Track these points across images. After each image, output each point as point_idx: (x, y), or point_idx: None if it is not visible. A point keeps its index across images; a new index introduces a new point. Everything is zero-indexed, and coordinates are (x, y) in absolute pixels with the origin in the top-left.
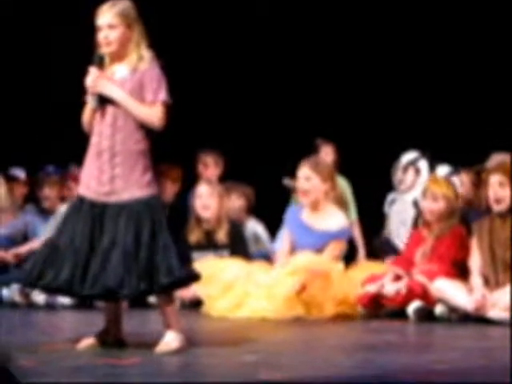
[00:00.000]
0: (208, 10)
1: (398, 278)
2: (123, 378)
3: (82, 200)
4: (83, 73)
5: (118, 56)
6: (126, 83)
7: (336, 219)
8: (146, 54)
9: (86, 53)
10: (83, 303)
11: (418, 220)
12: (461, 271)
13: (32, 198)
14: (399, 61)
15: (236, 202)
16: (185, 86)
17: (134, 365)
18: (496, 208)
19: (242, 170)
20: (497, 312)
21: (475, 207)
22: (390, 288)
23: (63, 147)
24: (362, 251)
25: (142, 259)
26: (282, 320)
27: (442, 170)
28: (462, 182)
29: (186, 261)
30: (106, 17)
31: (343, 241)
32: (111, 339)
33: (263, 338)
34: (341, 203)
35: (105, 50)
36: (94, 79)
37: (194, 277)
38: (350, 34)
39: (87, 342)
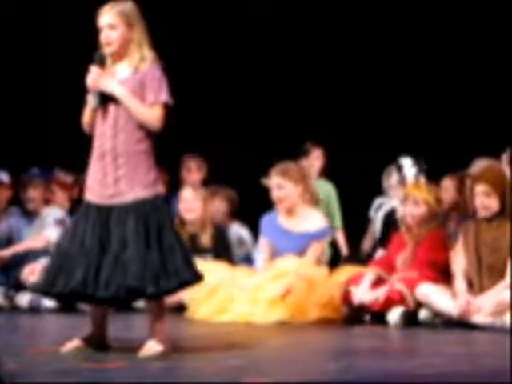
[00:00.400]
0: (196, 18)
1: (379, 280)
2: (107, 381)
3: (88, 205)
4: (74, 76)
5: (120, 56)
6: (127, 83)
7: (314, 220)
8: (148, 54)
9: (78, 56)
10: (64, 306)
11: (397, 225)
12: (442, 273)
13: (16, 201)
14: (387, 67)
15: (219, 205)
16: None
17: (118, 368)
18: (483, 214)
19: (226, 174)
20: (481, 317)
21: (459, 212)
22: (368, 296)
23: (49, 151)
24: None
25: (154, 261)
26: (267, 324)
27: (410, 171)
28: (447, 186)
29: (191, 262)
30: (106, 17)
31: (323, 241)
32: (96, 343)
33: (247, 343)
34: (315, 203)
35: (106, 50)
36: (95, 78)
37: (198, 278)
38: (340, 38)
39: (72, 344)
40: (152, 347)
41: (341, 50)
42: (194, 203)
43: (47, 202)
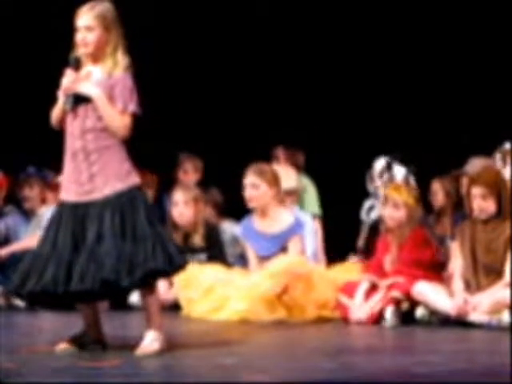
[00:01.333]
0: (194, 20)
1: (373, 287)
2: (103, 379)
3: (62, 205)
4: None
5: (94, 58)
6: (99, 87)
7: (284, 219)
8: (122, 59)
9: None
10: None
11: (379, 226)
12: (429, 270)
13: (14, 200)
14: (373, 66)
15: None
16: (157, 90)
17: (114, 366)
18: (480, 216)
19: (215, 172)
20: (478, 315)
21: (449, 214)
22: (365, 312)
23: (47, 150)
24: (320, 245)
25: (128, 252)
26: (263, 322)
27: (400, 172)
28: (435, 190)
29: (167, 251)
30: (84, 18)
31: (299, 235)
32: (90, 342)
33: (244, 341)
34: (283, 202)
35: (81, 51)
36: (71, 80)
37: (174, 265)
38: (326, 40)
39: (65, 344)
40: (148, 345)
41: (328, 50)
42: (185, 208)
43: (44, 200)
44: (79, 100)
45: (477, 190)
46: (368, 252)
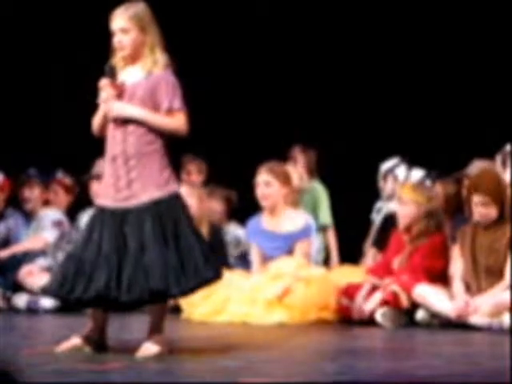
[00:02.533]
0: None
1: (373, 288)
2: (105, 382)
3: (102, 210)
4: (74, 78)
5: (132, 59)
6: (139, 87)
7: (296, 220)
8: (161, 58)
9: (78, 57)
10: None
11: (394, 228)
12: (437, 280)
13: (15, 201)
14: (381, 69)
15: (216, 205)
16: None
17: (115, 369)
18: (481, 222)
19: (226, 173)
20: (478, 318)
21: (449, 216)
22: (367, 310)
23: (49, 151)
24: (334, 258)
25: (174, 261)
26: (264, 325)
27: (416, 174)
28: (436, 192)
29: (211, 259)
30: (118, 21)
31: (309, 239)
32: (93, 344)
33: (245, 343)
34: (296, 204)
35: (119, 53)
36: (110, 106)
37: (219, 275)
38: (334, 42)
39: (70, 343)
40: (149, 348)
41: (336, 54)
42: (188, 199)
43: (46, 202)
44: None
45: (478, 198)
46: (381, 246)
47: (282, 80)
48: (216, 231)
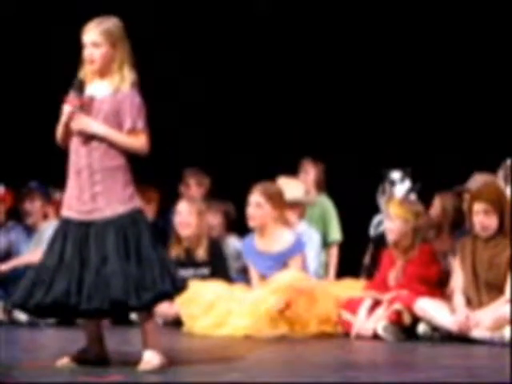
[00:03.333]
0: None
1: (375, 304)
2: None
3: (66, 221)
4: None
5: (101, 73)
6: (105, 103)
7: (284, 238)
8: (129, 75)
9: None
10: (69, 321)
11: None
12: (433, 287)
13: (16, 215)
14: (384, 83)
15: (213, 219)
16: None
17: (115, 382)
18: (482, 234)
19: (226, 186)
20: (479, 331)
21: (445, 230)
22: (368, 329)
23: (50, 164)
24: (332, 273)
25: (133, 274)
26: (266, 338)
27: (401, 188)
28: (435, 205)
29: (169, 273)
30: (90, 34)
31: (301, 254)
32: (92, 358)
33: (246, 356)
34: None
35: (88, 67)
36: (74, 120)
37: (177, 289)
38: (336, 53)
39: (65, 360)
40: (150, 361)
41: (343, 65)
42: (189, 217)
43: (46, 216)
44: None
45: (479, 206)
46: (374, 268)
47: (287, 93)
48: (216, 246)
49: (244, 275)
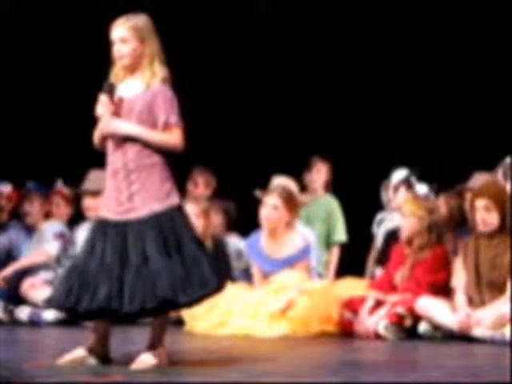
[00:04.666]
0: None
1: (378, 304)
2: None
3: (104, 222)
4: (75, 90)
5: (131, 70)
6: (138, 101)
7: (295, 243)
8: (160, 70)
9: (80, 69)
10: (65, 320)
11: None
12: (440, 293)
13: (17, 215)
14: (387, 82)
15: (214, 218)
16: None
17: (117, 382)
18: (483, 230)
19: (228, 185)
20: (481, 330)
21: (452, 229)
22: (370, 328)
23: (49, 164)
24: (331, 272)
25: (180, 270)
26: (267, 338)
27: (421, 189)
28: (438, 205)
29: (218, 270)
30: (119, 30)
31: (308, 259)
32: (95, 357)
33: (247, 356)
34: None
35: (118, 63)
36: (106, 123)
37: (223, 287)
38: (341, 53)
39: (74, 354)
40: (145, 360)
41: (346, 65)
42: (195, 220)
43: (47, 215)
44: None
45: (480, 203)
46: (383, 262)
47: (289, 92)
48: (219, 245)
49: (247, 275)
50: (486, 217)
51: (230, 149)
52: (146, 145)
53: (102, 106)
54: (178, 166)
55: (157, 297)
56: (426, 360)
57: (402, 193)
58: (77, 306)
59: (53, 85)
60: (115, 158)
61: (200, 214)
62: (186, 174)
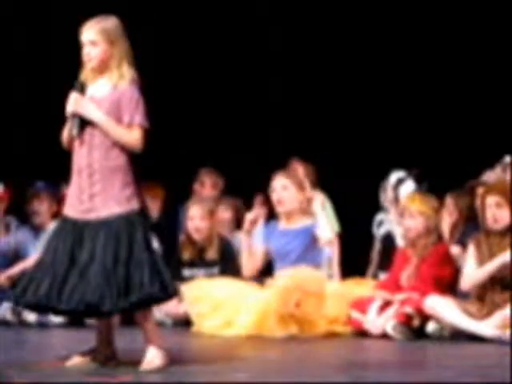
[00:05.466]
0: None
1: (386, 304)
2: None
3: (65, 219)
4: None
5: (99, 71)
6: (105, 101)
7: (308, 221)
8: (127, 72)
9: (79, 69)
10: (73, 321)
11: (394, 246)
12: (446, 289)
13: (23, 215)
14: (386, 79)
15: (223, 215)
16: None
17: (124, 382)
18: (494, 227)
19: (234, 182)
20: (489, 330)
21: (460, 230)
22: (378, 327)
23: (54, 164)
24: (335, 268)
25: (120, 276)
26: (275, 338)
27: (410, 186)
28: (448, 204)
29: (161, 276)
30: (88, 33)
31: (328, 240)
32: (101, 358)
33: (255, 356)
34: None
35: (87, 65)
36: (74, 103)
37: (167, 293)
38: (341, 55)
39: (77, 359)
40: (152, 361)
41: (343, 65)
42: (201, 222)
43: (55, 215)
44: (85, 123)
45: (492, 199)
46: (382, 266)
47: (290, 91)
48: (226, 245)
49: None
50: (496, 213)
51: (237, 148)
52: (111, 147)
53: (73, 104)
54: (185, 166)
55: (84, 300)
56: (434, 360)
57: (403, 191)
58: (20, 298)
59: (53, 85)
60: (80, 157)
61: (205, 215)
62: (193, 174)
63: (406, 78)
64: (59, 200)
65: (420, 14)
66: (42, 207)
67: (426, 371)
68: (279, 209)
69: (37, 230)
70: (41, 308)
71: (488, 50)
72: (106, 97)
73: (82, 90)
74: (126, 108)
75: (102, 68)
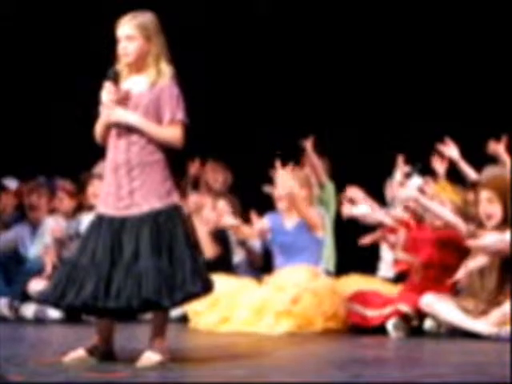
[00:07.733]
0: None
1: (384, 302)
2: None
3: (100, 218)
4: (75, 87)
5: (137, 68)
6: (144, 97)
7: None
8: (166, 69)
9: (89, 64)
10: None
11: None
12: (444, 274)
13: (21, 209)
14: (391, 75)
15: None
16: None
17: (121, 379)
18: (487, 224)
19: (237, 181)
20: (486, 326)
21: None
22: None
23: (50, 159)
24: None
25: (166, 270)
26: (272, 334)
27: (415, 182)
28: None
29: (200, 273)
30: (125, 28)
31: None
32: (100, 354)
33: (252, 352)
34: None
35: (123, 60)
36: (108, 111)
37: (206, 290)
38: (340, 46)
39: (75, 354)
40: (150, 357)
41: (347, 59)
42: (209, 213)
43: (52, 211)
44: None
45: (483, 194)
46: None
47: (291, 90)
48: (221, 235)
49: (251, 270)
50: (487, 208)
51: (240, 145)
52: (149, 142)
53: (107, 93)
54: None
55: (141, 297)
56: (431, 357)
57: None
58: (61, 300)
59: (53, 84)
60: (117, 153)
61: (215, 206)
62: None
63: (406, 79)
64: (57, 191)
65: (420, 5)
66: (40, 202)
67: (424, 368)
68: (280, 205)
69: (33, 225)
70: (87, 309)
71: (487, 49)
72: (143, 93)
73: (115, 78)
74: (166, 105)
75: (139, 65)
